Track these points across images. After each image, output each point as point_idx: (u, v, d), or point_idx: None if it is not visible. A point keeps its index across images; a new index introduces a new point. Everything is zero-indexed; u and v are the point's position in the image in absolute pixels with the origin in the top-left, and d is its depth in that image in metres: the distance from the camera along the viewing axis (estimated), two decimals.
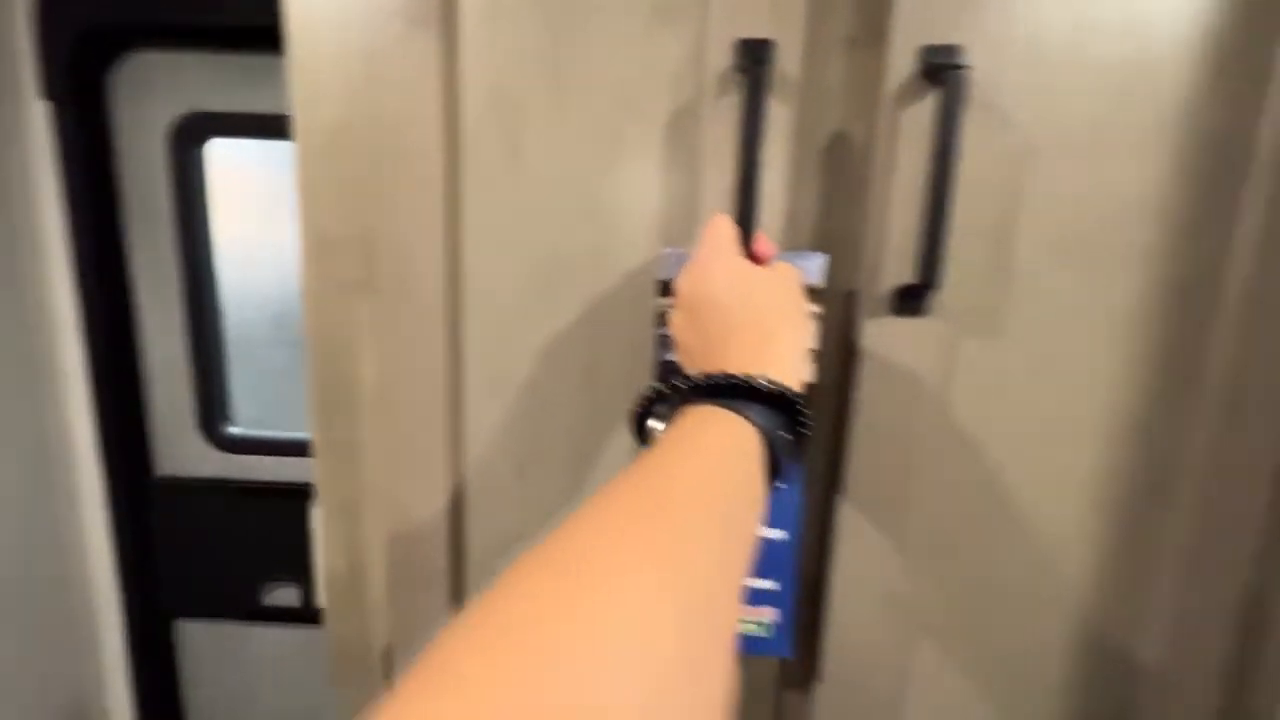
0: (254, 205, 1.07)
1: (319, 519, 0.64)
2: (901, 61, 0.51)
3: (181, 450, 1.14)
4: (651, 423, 0.46)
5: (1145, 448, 0.55)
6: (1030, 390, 0.55)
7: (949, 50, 0.49)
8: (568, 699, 0.21)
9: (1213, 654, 0.57)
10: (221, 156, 1.05)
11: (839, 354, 0.56)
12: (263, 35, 0.78)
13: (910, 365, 0.54)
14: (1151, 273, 0.53)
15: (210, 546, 1.15)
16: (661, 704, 0.22)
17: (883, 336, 0.54)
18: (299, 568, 1.13)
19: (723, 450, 0.36)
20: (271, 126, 1.01)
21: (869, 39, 0.53)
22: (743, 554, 0.32)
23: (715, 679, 0.26)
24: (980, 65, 0.50)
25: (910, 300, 0.53)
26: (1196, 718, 0.58)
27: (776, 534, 0.55)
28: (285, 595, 1.16)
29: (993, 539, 0.57)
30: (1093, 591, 0.58)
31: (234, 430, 1.14)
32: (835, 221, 0.55)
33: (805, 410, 0.42)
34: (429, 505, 0.63)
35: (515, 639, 0.22)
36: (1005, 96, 0.51)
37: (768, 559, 0.55)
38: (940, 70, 0.49)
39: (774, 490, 0.40)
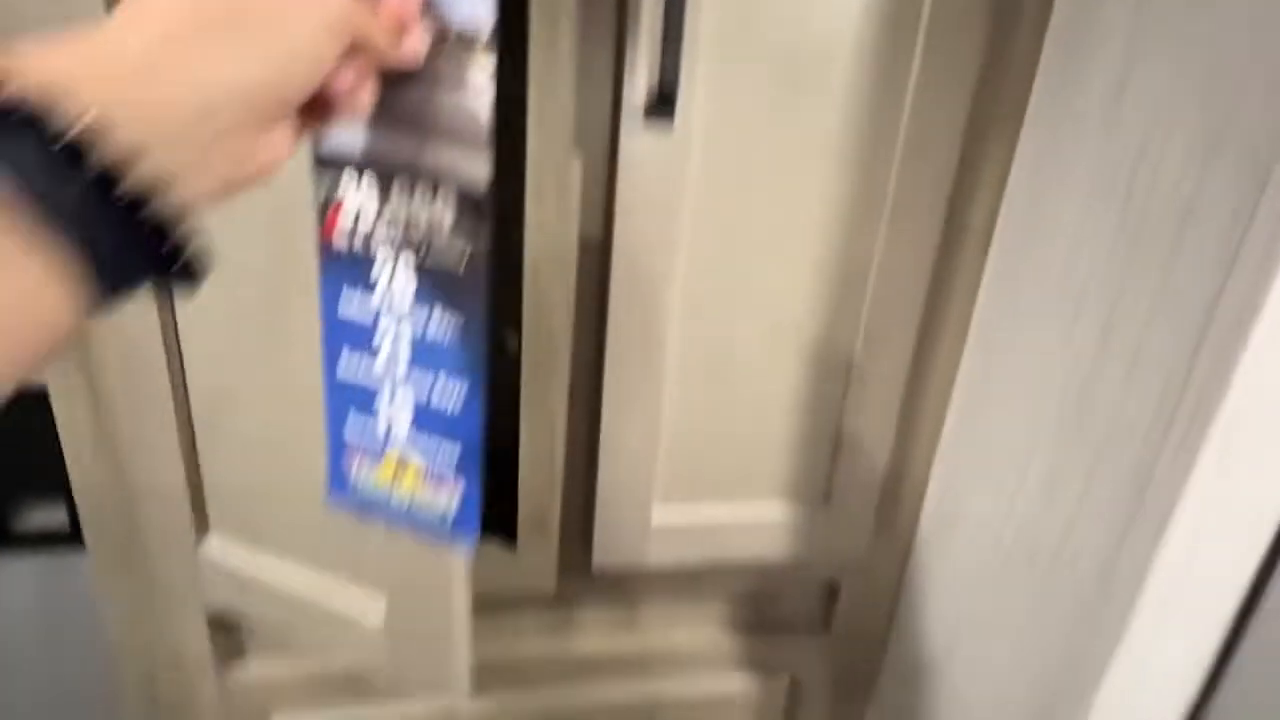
0: None
1: None
2: None
3: None
4: None
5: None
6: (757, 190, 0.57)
7: None
8: None
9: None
10: None
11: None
12: None
13: (660, 176, 0.55)
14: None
15: None
16: None
17: (635, 149, 0.54)
18: None
19: None
20: None
21: None
22: None
23: None
24: None
25: (660, 108, 0.53)
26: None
27: (454, 386, 0.38)
28: None
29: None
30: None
31: None
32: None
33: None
34: None
35: None
36: None
37: (441, 419, 0.38)
38: None
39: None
